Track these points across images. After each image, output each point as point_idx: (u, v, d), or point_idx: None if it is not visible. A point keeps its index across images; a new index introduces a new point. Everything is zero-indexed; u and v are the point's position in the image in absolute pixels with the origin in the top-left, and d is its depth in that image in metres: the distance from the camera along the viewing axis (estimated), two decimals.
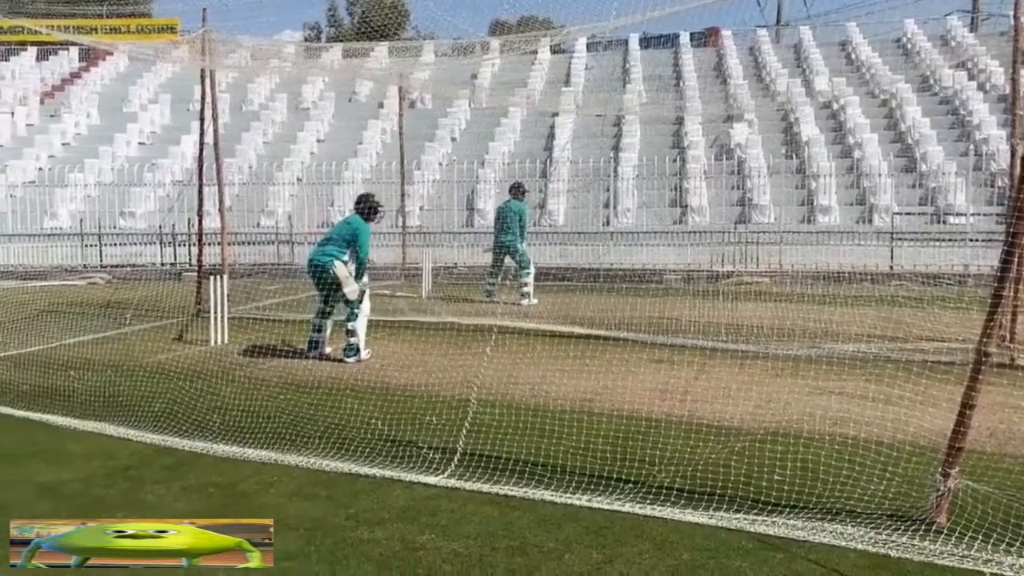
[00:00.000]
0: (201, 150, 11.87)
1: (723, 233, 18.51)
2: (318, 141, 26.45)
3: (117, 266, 19.84)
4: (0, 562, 3.70)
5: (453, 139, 25.92)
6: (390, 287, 14.83)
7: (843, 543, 3.93)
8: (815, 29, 31.58)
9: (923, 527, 4.06)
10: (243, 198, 22.54)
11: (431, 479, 4.89)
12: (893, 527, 4.06)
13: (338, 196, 21.88)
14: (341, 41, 37.64)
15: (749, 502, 4.46)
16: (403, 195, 18.25)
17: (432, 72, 24.61)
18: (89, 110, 28.60)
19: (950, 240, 17.46)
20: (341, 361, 8.53)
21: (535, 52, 28.92)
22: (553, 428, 5.67)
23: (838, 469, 4.75)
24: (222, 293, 9.82)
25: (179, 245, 20.35)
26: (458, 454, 5.20)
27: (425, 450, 5.41)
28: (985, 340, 4.13)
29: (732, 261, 17.94)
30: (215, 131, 11.73)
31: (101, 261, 20.37)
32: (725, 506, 4.39)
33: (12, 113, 27.72)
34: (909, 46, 28.33)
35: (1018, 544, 3.82)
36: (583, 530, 4.18)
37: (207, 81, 11.79)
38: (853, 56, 28.29)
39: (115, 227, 21.97)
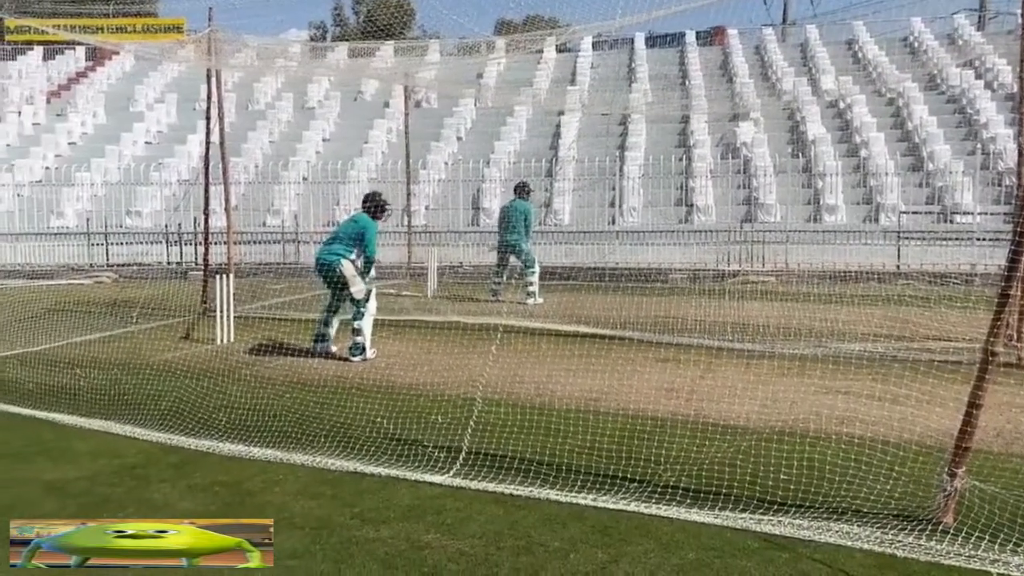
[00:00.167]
0: (207, 149, 11.90)
1: (729, 232, 18.48)
2: (324, 140, 26.48)
3: (123, 265, 19.90)
4: (0, 562, 3.70)
5: (459, 138, 25.93)
6: (396, 286, 14.84)
7: (849, 543, 3.92)
8: (821, 28, 31.54)
9: (929, 527, 4.04)
10: (249, 197, 22.57)
11: (436, 478, 4.89)
12: (899, 527, 4.05)
13: (344, 195, 21.91)
14: (347, 40, 37.66)
15: (755, 501, 4.45)
16: (409, 194, 18.24)
17: (438, 71, 24.65)
18: (95, 109, 28.69)
19: (957, 239, 17.41)
20: (347, 360, 8.54)
21: (541, 51, 28.93)
22: (558, 427, 5.66)
23: (844, 468, 4.74)
24: (228, 292, 9.83)
25: (185, 244, 20.39)
26: (463, 453, 5.20)
27: (430, 449, 5.41)
28: (992, 339, 4.11)
29: (738, 260, 17.91)
30: (221, 130, 11.75)
31: (107, 260, 20.41)
32: (731, 505, 4.38)
33: (19, 112, 27.84)
34: (916, 45, 28.26)
35: None
36: (588, 529, 4.18)
37: (213, 81, 11.81)
38: (860, 55, 28.23)
39: (121, 226, 22.04)
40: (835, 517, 4.20)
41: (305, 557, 3.91)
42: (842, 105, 24.82)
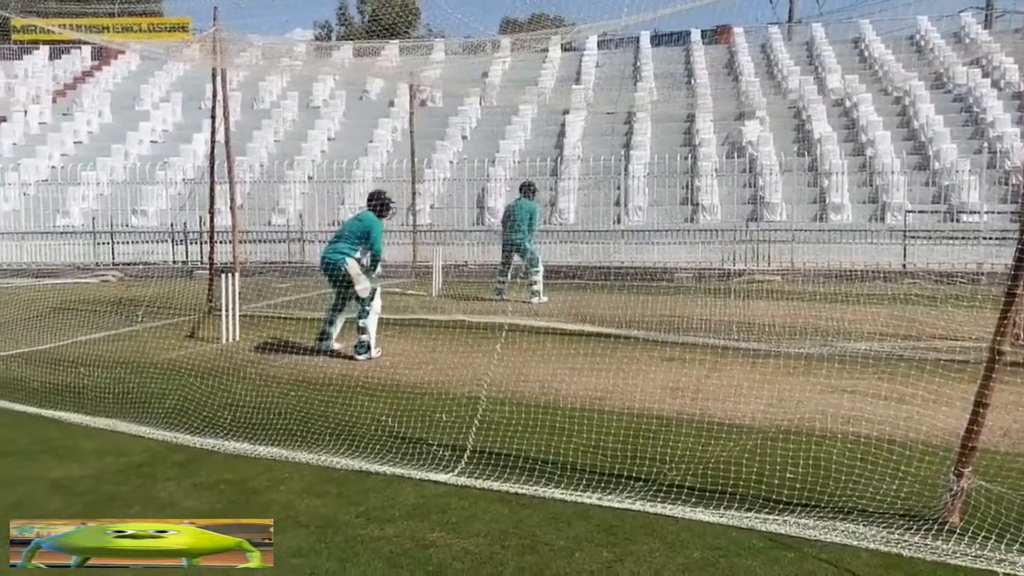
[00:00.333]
0: (212, 148, 11.90)
1: (734, 231, 18.46)
2: (329, 139, 26.50)
3: (129, 264, 19.95)
4: (0, 562, 3.71)
5: (464, 137, 25.93)
6: (400, 285, 14.85)
7: (855, 542, 3.91)
8: (827, 26, 31.49)
9: (936, 527, 4.03)
10: (254, 196, 22.60)
11: (441, 477, 4.89)
12: (905, 526, 4.04)
13: (349, 194, 21.93)
14: (352, 40, 37.68)
15: (760, 501, 4.44)
16: (414, 193, 18.26)
17: (443, 70, 24.63)
18: (101, 108, 28.74)
19: (963, 238, 17.37)
20: (351, 358, 8.54)
21: (546, 50, 28.88)
22: (563, 426, 5.66)
23: (850, 468, 4.73)
24: (234, 291, 9.84)
25: (191, 243, 20.43)
26: (468, 452, 5.20)
27: (435, 448, 5.41)
28: (999, 338, 4.10)
29: (744, 259, 17.88)
30: (226, 129, 11.75)
31: (113, 259, 20.47)
32: (736, 505, 4.37)
33: (25, 112, 27.91)
34: (922, 43, 28.17)
35: None
36: (594, 528, 4.17)
37: (218, 80, 11.82)
38: (866, 53, 28.15)
39: (127, 225, 22.08)
40: (841, 516, 4.19)
41: (310, 555, 3.91)
42: (848, 104, 24.75)
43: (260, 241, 20.60)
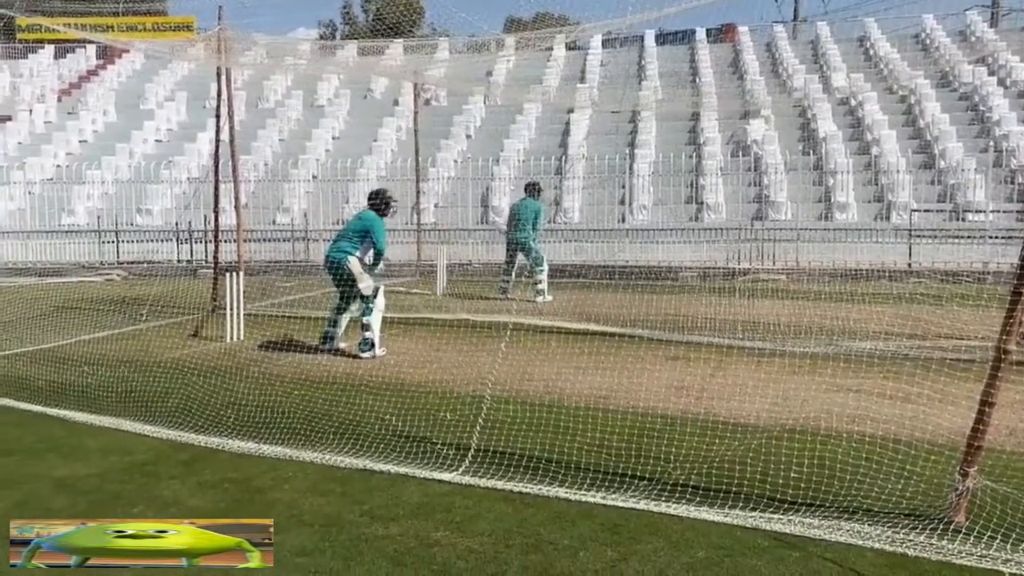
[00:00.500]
0: (217, 147, 11.93)
1: (739, 230, 18.44)
2: (333, 138, 26.51)
3: (134, 263, 20.00)
4: (0, 562, 3.72)
5: (468, 136, 25.92)
6: (405, 284, 14.86)
7: (860, 542, 3.89)
8: (832, 25, 31.44)
9: (941, 526, 4.01)
10: (259, 195, 22.63)
11: (445, 475, 4.89)
12: (911, 526, 4.02)
13: (353, 193, 21.93)
14: (356, 39, 37.70)
15: (765, 500, 4.43)
16: (418, 192, 18.27)
17: (447, 69, 24.61)
18: (106, 107, 28.81)
19: (969, 237, 17.33)
20: (356, 356, 8.55)
21: (550, 49, 28.86)
22: (568, 425, 5.65)
23: (855, 467, 4.72)
24: (238, 290, 9.85)
25: (195, 242, 20.47)
26: (472, 451, 5.20)
27: (439, 447, 5.41)
28: (1005, 337, 4.08)
29: (748, 258, 17.87)
30: (231, 128, 11.78)
31: (118, 258, 20.51)
32: (741, 504, 4.36)
33: (30, 111, 27.98)
34: (928, 41, 28.11)
35: None
36: (598, 527, 4.16)
37: (223, 79, 11.83)
38: (871, 52, 28.09)
39: (132, 224, 22.13)
40: (846, 516, 4.18)
41: (314, 554, 3.91)
42: (853, 102, 24.69)
43: (264, 240, 20.64)
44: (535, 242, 13.22)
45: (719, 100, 25.42)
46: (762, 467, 4.83)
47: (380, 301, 8.77)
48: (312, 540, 4.06)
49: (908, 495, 4.39)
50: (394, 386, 7.12)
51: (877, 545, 3.86)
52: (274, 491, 4.75)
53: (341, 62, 24.40)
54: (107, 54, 32.63)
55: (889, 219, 19.49)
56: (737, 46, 30.29)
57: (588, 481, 4.73)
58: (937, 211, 19.61)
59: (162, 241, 20.99)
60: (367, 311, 8.66)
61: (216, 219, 11.84)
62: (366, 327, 8.63)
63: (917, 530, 3.97)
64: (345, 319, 9.05)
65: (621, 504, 4.42)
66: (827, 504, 4.35)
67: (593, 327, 9.85)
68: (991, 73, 25.05)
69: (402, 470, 5.00)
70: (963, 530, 3.97)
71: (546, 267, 13.20)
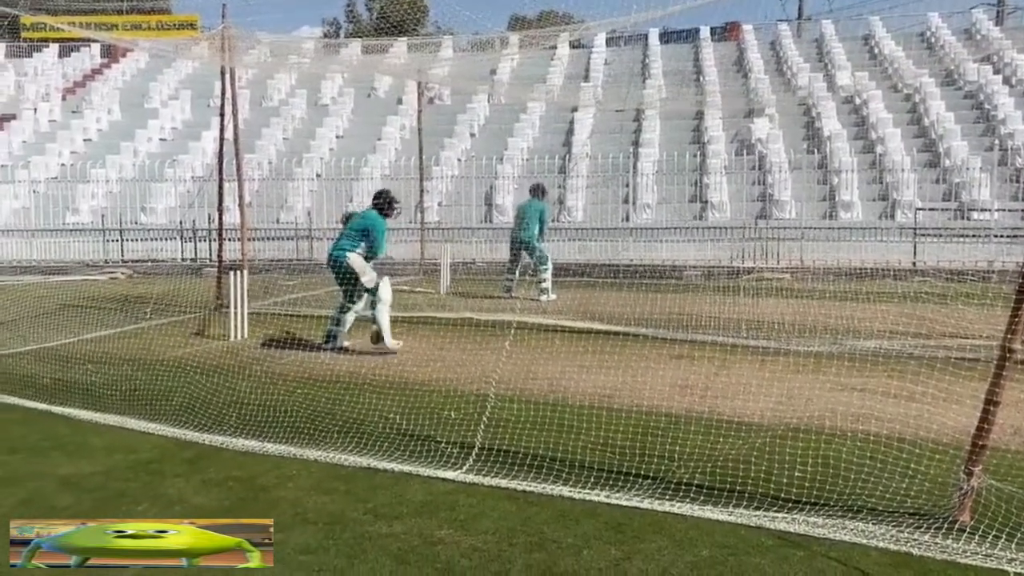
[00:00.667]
0: (221, 146, 11.93)
1: (744, 229, 18.43)
2: (337, 137, 26.53)
3: (138, 261, 20.04)
4: (1, 563, 3.71)
5: (472, 135, 25.92)
6: (409, 283, 14.85)
7: (864, 541, 3.89)
8: (837, 23, 31.41)
9: (946, 525, 4.00)
10: (263, 194, 22.65)
11: (449, 474, 4.88)
12: (915, 525, 4.02)
13: (357, 192, 21.95)
14: (360, 37, 37.72)
15: (769, 499, 4.42)
16: (422, 191, 18.27)
17: (451, 68, 24.60)
18: (110, 106, 28.86)
19: (974, 236, 17.31)
20: (359, 354, 8.55)
21: (554, 47, 28.85)
22: (572, 424, 5.65)
23: (860, 466, 4.71)
24: (242, 288, 9.86)
25: (199, 240, 20.49)
26: (476, 449, 5.19)
27: (443, 445, 5.40)
28: (1010, 336, 4.07)
29: (753, 257, 17.85)
30: (235, 127, 11.78)
31: (122, 256, 20.55)
32: (745, 503, 4.35)
33: (35, 109, 28.03)
34: (933, 40, 28.05)
35: None
36: (602, 526, 4.16)
37: (227, 77, 11.84)
38: (876, 50, 28.04)
39: (136, 222, 22.17)
40: (850, 515, 4.17)
41: (318, 552, 3.91)
42: (858, 101, 24.66)
43: (268, 238, 20.64)
44: (539, 241, 13.22)
45: (723, 99, 25.39)
46: (766, 466, 4.82)
47: (386, 293, 8.77)
48: (316, 538, 4.06)
49: (913, 494, 4.38)
50: (398, 385, 7.12)
51: (882, 544, 3.85)
52: (278, 489, 4.75)
53: (345, 61, 24.43)
54: (111, 53, 32.67)
55: (894, 218, 19.46)
56: (741, 44, 30.27)
57: (592, 480, 4.72)
58: (942, 210, 19.59)
59: (166, 240, 21.03)
60: (373, 305, 8.70)
61: (220, 218, 11.85)
62: (375, 320, 8.69)
63: (922, 529, 3.96)
64: (349, 318, 9.05)
65: (625, 503, 4.42)
66: (831, 503, 4.34)
67: (597, 326, 9.85)
68: (996, 71, 24.99)
69: (406, 468, 5.00)
70: (968, 529, 3.96)
71: (550, 266, 13.20)
